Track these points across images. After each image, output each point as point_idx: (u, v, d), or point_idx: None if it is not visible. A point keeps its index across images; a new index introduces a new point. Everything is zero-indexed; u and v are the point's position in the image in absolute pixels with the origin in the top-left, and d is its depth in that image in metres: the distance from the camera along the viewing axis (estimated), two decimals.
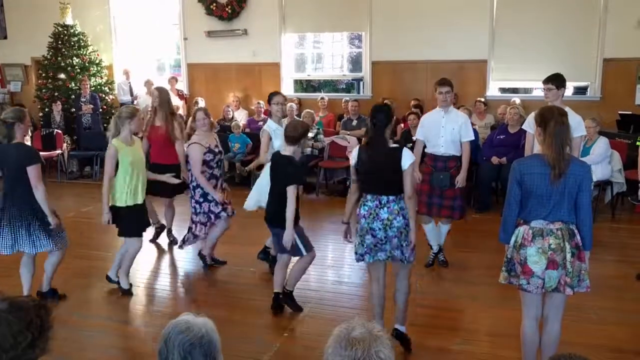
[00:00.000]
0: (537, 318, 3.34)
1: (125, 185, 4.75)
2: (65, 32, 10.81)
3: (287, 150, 4.33)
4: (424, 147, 5.42)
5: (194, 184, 5.35)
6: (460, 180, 5.31)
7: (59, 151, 9.97)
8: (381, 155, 3.65)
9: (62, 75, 10.77)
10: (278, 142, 5.01)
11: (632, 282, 5.10)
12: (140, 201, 4.86)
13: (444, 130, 5.26)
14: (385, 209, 3.64)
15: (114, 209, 4.78)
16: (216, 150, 5.40)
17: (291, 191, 4.22)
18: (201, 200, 5.34)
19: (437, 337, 4.16)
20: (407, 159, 3.62)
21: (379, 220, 3.64)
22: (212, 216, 5.39)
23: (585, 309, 4.38)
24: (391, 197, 3.65)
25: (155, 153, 6.08)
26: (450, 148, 5.31)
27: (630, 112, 8.31)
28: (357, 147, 3.85)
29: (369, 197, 3.70)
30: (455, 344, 4.05)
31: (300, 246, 4.43)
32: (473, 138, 5.43)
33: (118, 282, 5.06)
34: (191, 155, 5.32)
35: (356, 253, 3.81)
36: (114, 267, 5.12)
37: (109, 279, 5.13)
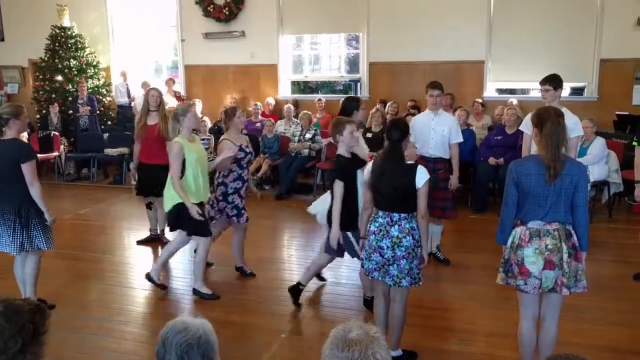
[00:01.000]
0: (535, 318, 3.35)
1: (194, 183, 4.73)
2: (63, 34, 10.82)
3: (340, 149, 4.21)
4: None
5: (219, 180, 5.19)
6: (453, 183, 5.36)
7: (56, 153, 9.96)
8: (396, 172, 3.57)
9: (60, 77, 10.77)
10: None
11: (629, 282, 5.11)
12: (205, 199, 4.88)
13: (434, 133, 5.35)
14: (396, 226, 3.54)
15: (179, 208, 4.70)
16: (247, 150, 5.22)
17: (336, 187, 4.08)
18: (220, 198, 5.17)
19: (435, 337, 4.16)
20: (422, 177, 3.55)
21: (388, 238, 3.55)
22: (225, 216, 5.29)
23: (582, 309, 4.39)
24: (403, 215, 3.55)
25: (145, 153, 6.05)
26: (439, 150, 5.37)
27: (627, 113, 8.33)
28: (372, 162, 3.77)
29: (380, 213, 3.62)
30: (452, 344, 4.06)
31: (356, 247, 4.20)
32: (461, 140, 5.49)
33: (154, 282, 5.03)
34: (220, 149, 5.19)
35: (363, 267, 3.76)
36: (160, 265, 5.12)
37: (149, 277, 5.06)
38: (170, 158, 4.74)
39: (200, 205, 4.80)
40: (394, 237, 3.54)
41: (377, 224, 3.61)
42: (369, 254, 3.64)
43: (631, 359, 3.83)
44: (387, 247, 3.56)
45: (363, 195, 4.03)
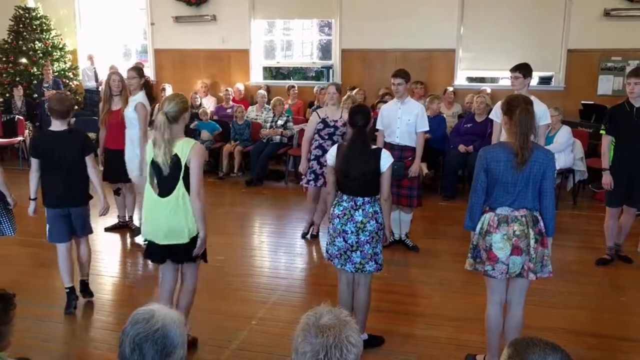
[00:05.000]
0: (502, 303, 3.41)
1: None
2: (27, 15, 10.50)
3: None
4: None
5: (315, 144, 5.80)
6: (413, 170, 5.40)
7: (20, 138, 9.68)
8: (361, 156, 3.58)
9: (24, 60, 10.47)
10: None
11: (592, 267, 5.25)
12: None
13: (400, 121, 5.38)
14: (360, 210, 3.56)
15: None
16: (331, 123, 5.70)
17: None
18: (312, 157, 5.82)
19: (402, 322, 4.21)
20: (386, 161, 3.59)
21: (352, 223, 3.57)
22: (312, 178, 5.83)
23: (546, 294, 4.50)
24: (367, 199, 3.58)
25: (111, 139, 5.93)
26: (405, 139, 5.42)
27: (592, 102, 8.51)
28: (335, 146, 3.78)
29: (344, 197, 3.63)
30: (420, 329, 4.11)
31: None
32: (427, 129, 5.52)
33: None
34: (309, 121, 5.85)
35: (327, 252, 3.78)
36: None
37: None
38: (198, 169, 3.50)
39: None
40: (358, 222, 3.57)
41: (341, 208, 3.62)
42: (333, 238, 3.66)
43: (592, 340, 3.95)
44: (351, 231, 3.58)
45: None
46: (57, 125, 4.25)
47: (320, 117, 5.73)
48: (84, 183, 4.36)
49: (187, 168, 3.43)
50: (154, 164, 3.48)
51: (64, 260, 4.38)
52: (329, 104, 5.85)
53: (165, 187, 3.48)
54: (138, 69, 6.03)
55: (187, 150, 3.43)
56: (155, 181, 3.52)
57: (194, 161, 3.42)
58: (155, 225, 3.55)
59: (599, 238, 5.68)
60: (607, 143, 5.12)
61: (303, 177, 6.04)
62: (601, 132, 5.21)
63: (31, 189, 4.37)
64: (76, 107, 10.83)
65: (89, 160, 4.28)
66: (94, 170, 4.32)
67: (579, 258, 5.49)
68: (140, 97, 5.71)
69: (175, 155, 3.42)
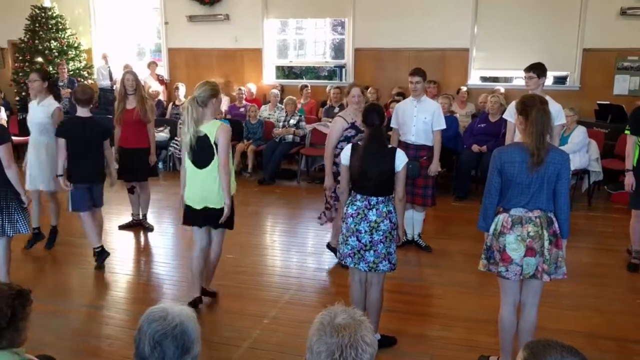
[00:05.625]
0: (515, 304, 3.38)
1: (233, 171, 4.30)
2: (43, 14, 10.60)
3: None
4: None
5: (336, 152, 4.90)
6: (432, 169, 5.39)
7: None
8: (375, 156, 3.56)
9: (40, 59, 10.57)
10: None
11: (607, 269, 5.19)
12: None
13: (416, 120, 5.36)
14: (374, 210, 3.55)
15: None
16: (362, 128, 4.91)
17: None
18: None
19: (415, 323, 4.19)
20: (401, 160, 3.57)
21: (366, 222, 3.56)
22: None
23: (561, 296, 4.45)
24: (380, 199, 3.57)
25: (125, 137, 5.98)
26: (421, 137, 5.38)
27: (608, 102, 8.42)
28: (349, 145, 3.76)
29: (358, 196, 3.62)
30: (433, 330, 4.10)
31: None
32: (444, 127, 5.48)
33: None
34: (330, 128, 5.10)
35: (339, 252, 3.76)
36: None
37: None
38: (224, 145, 3.99)
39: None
40: (371, 221, 3.56)
41: (354, 207, 3.61)
42: (346, 238, 3.65)
43: (607, 344, 3.90)
44: (365, 231, 3.57)
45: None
46: (82, 112, 5.05)
47: (349, 122, 4.96)
48: (103, 162, 5.18)
49: (216, 145, 3.97)
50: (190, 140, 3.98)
51: (91, 225, 5.15)
52: (354, 107, 5.03)
53: (201, 160, 4.04)
54: (41, 72, 5.84)
55: (214, 129, 3.97)
56: (191, 156, 4.05)
57: (221, 138, 3.96)
58: (192, 191, 4.13)
59: (614, 240, 5.62)
60: (631, 143, 5.05)
61: (327, 204, 5.22)
62: (626, 132, 5.14)
63: (59, 166, 5.04)
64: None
65: (106, 143, 5.17)
66: (109, 151, 5.30)
67: (594, 260, 5.43)
68: (53, 101, 5.52)
69: (205, 135, 3.97)
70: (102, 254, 5.23)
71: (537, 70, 4.77)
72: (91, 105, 5.14)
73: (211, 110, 4.06)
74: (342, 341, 1.55)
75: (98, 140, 5.09)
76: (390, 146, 3.71)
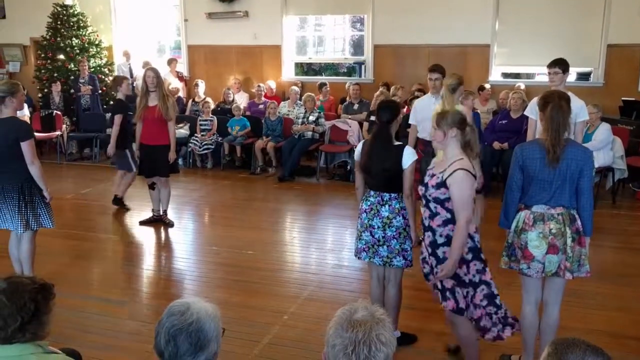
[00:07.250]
0: (537, 302, 3.34)
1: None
2: (65, 12, 10.72)
3: None
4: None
5: None
6: None
7: (58, 132, 9.92)
8: (383, 153, 3.55)
9: (61, 56, 10.71)
10: None
11: (631, 268, 5.10)
12: None
13: None
14: (387, 206, 3.55)
15: None
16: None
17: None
18: None
19: (436, 320, 4.15)
20: (408, 157, 3.53)
21: (379, 218, 3.56)
22: None
23: (584, 294, 4.39)
24: (393, 195, 3.56)
25: (146, 134, 6.04)
26: None
27: (633, 99, 8.26)
28: (362, 142, 3.76)
29: (371, 192, 3.62)
30: None
31: None
32: None
33: None
34: None
35: (354, 248, 3.77)
36: None
37: None
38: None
39: None
40: (384, 217, 3.55)
41: (368, 203, 3.62)
42: (360, 233, 3.65)
43: (631, 343, 3.84)
44: (378, 226, 3.56)
45: None
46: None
47: None
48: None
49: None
50: None
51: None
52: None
53: None
54: None
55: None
56: None
57: None
58: None
59: (639, 238, 5.52)
60: None
61: None
62: None
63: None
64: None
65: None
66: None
67: (618, 259, 5.34)
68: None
69: None
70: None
71: (562, 65, 4.70)
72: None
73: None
74: (356, 337, 1.54)
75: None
76: (397, 143, 3.64)
